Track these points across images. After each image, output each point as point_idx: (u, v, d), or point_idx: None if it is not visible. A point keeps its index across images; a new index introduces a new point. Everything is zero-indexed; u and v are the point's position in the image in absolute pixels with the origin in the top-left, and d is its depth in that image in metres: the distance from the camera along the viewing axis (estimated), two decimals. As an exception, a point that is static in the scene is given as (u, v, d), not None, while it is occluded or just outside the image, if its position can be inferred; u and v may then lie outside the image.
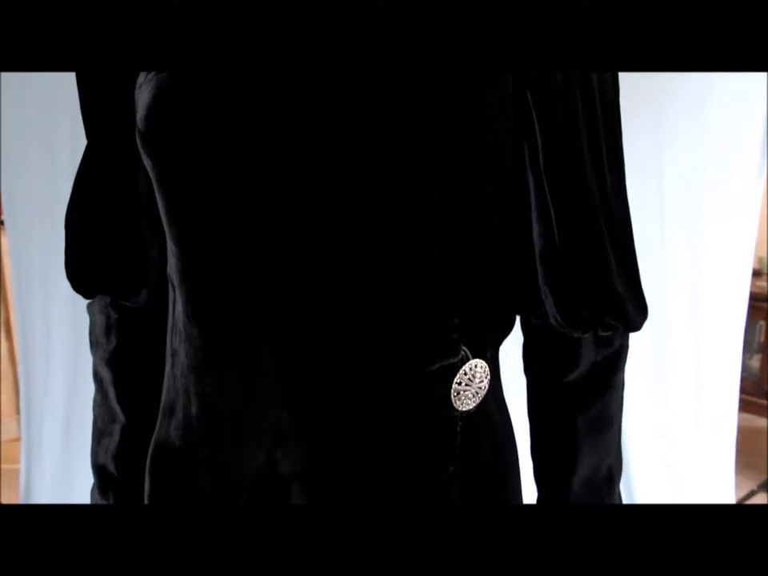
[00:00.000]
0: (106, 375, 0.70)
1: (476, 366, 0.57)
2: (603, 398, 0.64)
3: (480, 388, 0.58)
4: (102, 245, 0.65)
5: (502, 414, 0.64)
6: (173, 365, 0.61)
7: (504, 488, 0.64)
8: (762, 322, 2.41)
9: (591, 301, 0.59)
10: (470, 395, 0.58)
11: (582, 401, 0.64)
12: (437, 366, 0.56)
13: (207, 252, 0.55)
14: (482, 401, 0.59)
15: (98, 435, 0.71)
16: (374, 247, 0.52)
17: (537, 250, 0.60)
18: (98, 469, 0.71)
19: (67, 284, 1.68)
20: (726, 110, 1.66)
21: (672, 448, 1.78)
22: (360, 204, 0.51)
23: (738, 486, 1.91)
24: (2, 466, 2.00)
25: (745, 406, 2.02)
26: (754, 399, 2.36)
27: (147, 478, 0.64)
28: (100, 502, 0.71)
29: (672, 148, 1.68)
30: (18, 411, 1.95)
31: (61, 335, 1.69)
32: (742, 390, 1.88)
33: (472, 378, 0.57)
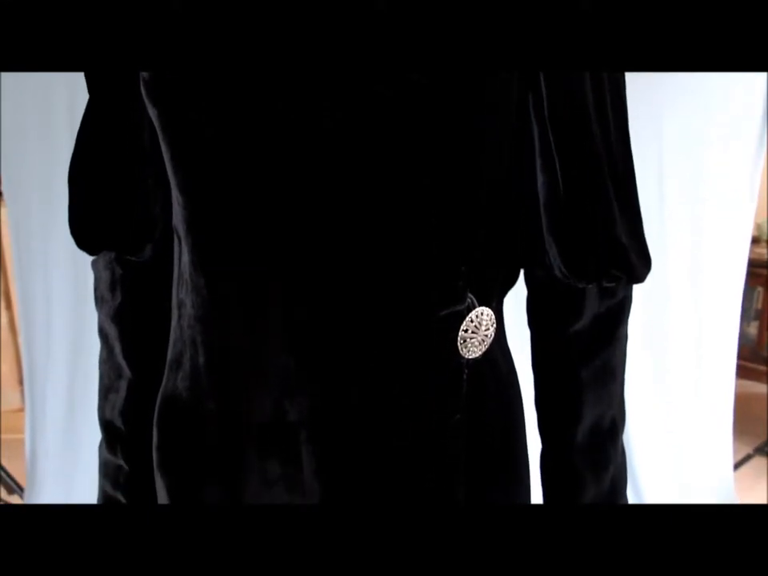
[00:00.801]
0: (112, 331, 0.70)
1: (482, 314, 0.58)
2: (607, 350, 0.65)
3: (486, 336, 0.59)
4: (107, 199, 0.65)
5: (507, 363, 0.65)
6: (179, 317, 0.62)
7: (510, 435, 0.65)
8: (760, 289, 2.42)
9: (595, 250, 0.59)
10: (477, 343, 0.58)
11: (586, 352, 0.64)
12: (444, 312, 0.56)
13: (212, 200, 0.55)
14: (487, 349, 0.60)
15: (105, 391, 0.72)
16: (378, 216, 0.53)
17: (541, 199, 0.60)
18: (105, 424, 0.71)
19: (67, 254, 1.68)
20: (727, 77, 1.65)
21: (672, 414, 1.79)
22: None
23: (735, 451, 1.94)
24: (7, 436, 2.01)
25: (742, 372, 2.03)
26: (751, 365, 2.38)
27: (155, 431, 0.65)
28: (108, 457, 0.71)
29: (671, 115, 1.67)
30: (20, 382, 1.95)
31: (61, 305, 1.69)
32: (739, 356, 1.89)
33: (478, 326, 0.58)
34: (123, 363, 0.70)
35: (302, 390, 0.56)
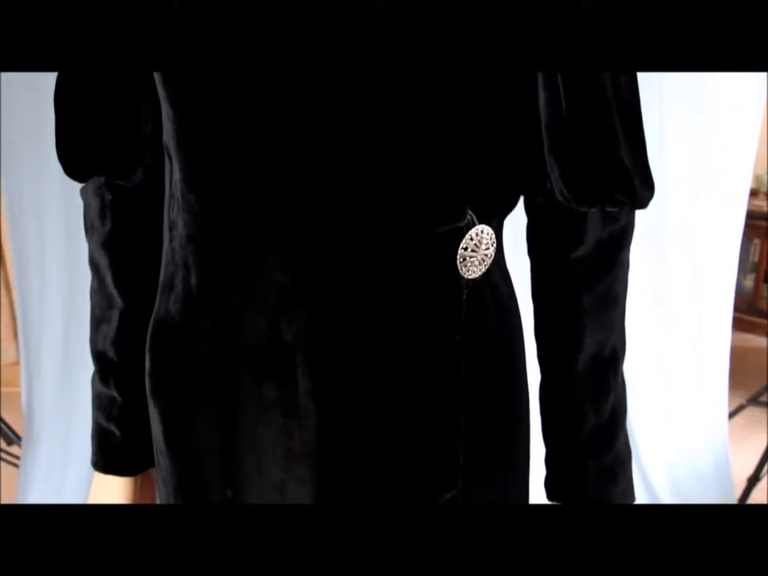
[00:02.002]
0: (102, 260, 0.68)
1: (482, 232, 0.57)
2: (608, 276, 0.64)
3: (486, 255, 0.58)
4: (94, 119, 0.63)
5: (508, 288, 0.64)
6: (171, 238, 0.60)
7: (510, 359, 0.64)
8: (757, 241, 2.41)
9: (597, 170, 0.58)
10: (476, 262, 0.57)
11: (588, 278, 0.63)
12: (443, 229, 0.55)
13: (203, 112, 0.54)
14: (487, 269, 0.58)
15: (96, 322, 0.71)
16: (377, 133, 0.53)
17: (543, 119, 0.58)
18: (98, 355, 0.70)
19: (59, 204, 1.66)
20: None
21: (669, 364, 1.80)
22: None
23: (729, 403, 1.95)
24: (3, 389, 2.01)
25: (738, 324, 2.04)
26: (748, 318, 2.38)
27: (147, 357, 0.64)
28: (101, 389, 0.70)
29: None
30: (15, 336, 1.94)
31: (55, 257, 1.67)
32: (736, 309, 1.89)
33: (478, 244, 0.57)
34: (115, 292, 0.68)
35: (300, 309, 0.55)
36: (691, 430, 1.80)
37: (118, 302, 0.68)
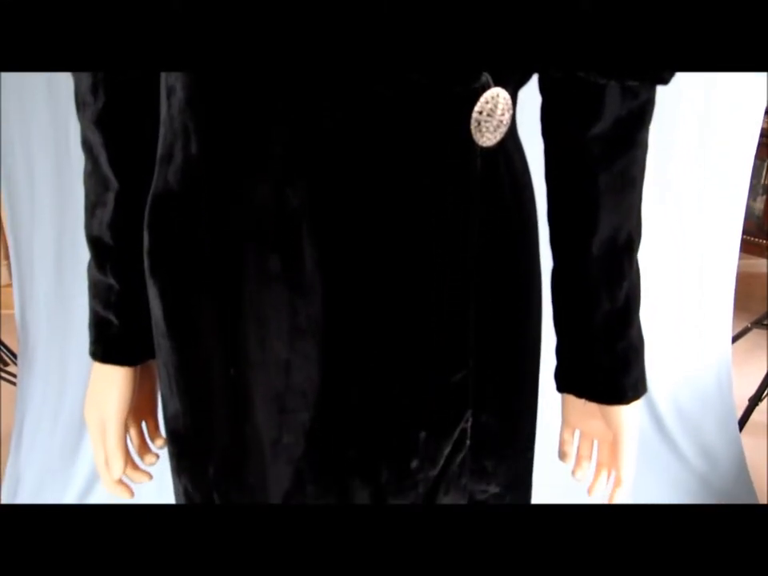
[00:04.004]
0: (96, 138, 0.64)
1: (497, 96, 0.53)
2: (626, 156, 0.60)
3: (501, 122, 0.54)
4: None
5: (522, 162, 0.61)
6: (169, 106, 0.57)
7: (525, 234, 0.62)
8: (769, 162, 2.35)
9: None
10: (491, 128, 0.54)
11: (605, 157, 0.60)
12: (458, 88, 0.51)
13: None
14: (502, 138, 0.55)
15: (91, 207, 0.67)
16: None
17: None
18: (93, 242, 0.67)
19: (47, 117, 1.59)
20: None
21: (675, 284, 1.78)
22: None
23: (733, 328, 1.94)
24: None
25: (745, 246, 2.00)
26: (756, 240, 2.35)
27: (146, 235, 0.61)
28: (98, 277, 0.67)
29: None
30: (7, 257, 1.91)
31: (44, 175, 1.62)
32: (744, 231, 1.86)
33: (494, 108, 0.53)
34: (110, 173, 0.64)
35: (306, 175, 0.52)
36: (695, 351, 1.79)
37: (114, 183, 0.65)
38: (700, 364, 1.79)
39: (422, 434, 0.59)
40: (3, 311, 2.04)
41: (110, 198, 0.65)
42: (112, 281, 0.66)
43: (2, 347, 1.93)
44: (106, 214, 0.66)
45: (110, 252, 0.66)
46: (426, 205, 0.54)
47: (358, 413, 0.58)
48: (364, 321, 0.55)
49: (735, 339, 1.92)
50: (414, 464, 0.60)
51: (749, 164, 1.77)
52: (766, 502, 1.72)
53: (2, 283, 2.26)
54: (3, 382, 1.97)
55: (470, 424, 0.61)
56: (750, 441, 1.86)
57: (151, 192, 0.60)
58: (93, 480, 1.71)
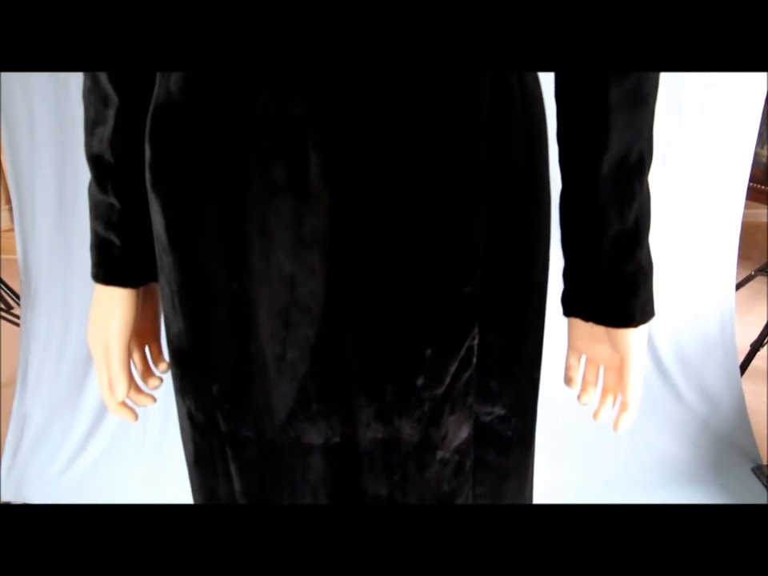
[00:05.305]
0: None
1: None
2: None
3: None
4: None
5: (533, 75, 0.60)
6: None
7: (535, 146, 0.60)
8: (778, 108, 2.31)
9: None
10: None
11: (615, 72, 0.58)
12: None
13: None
14: None
15: (91, 125, 0.65)
16: None
17: None
18: (94, 160, 0.66)
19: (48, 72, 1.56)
20: None
21: (680, 232, 1.76)
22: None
23: (737, 276, 1.93)
24: (3, 256, 1.98)
25: (751, 194, 1.98)
26: (762, 187, 2.32)
27: (147, 147, 0.60)
28: (98, 196, 0.66)
29: None
30: (8, 201, 1.89)
31: (44, 118, 1.60)
32: (751, 178, 1.83)
33: None
34: (110, 88, 0.63)
35: (309, 81, 0.51)
36: (699, 297, 1.78)
37: (114, 99, 0.63)
38: (703, 310, 1.78)
39: (428, 351, 0.59)
40: (4, 256, 2.02)
41: (111, 114, 0.64)
42: (113, 200, 0.65)
43: (5, 289, 1.92)
44: (106, 130, 0.64)
45: (111, 170, 0.65)
46: (434, 111, 0.53)
47: (362, 329, 0.58)
48: (369, 232, 0.54)
49: (739, 287, 1.92)
50: (420, 381, 0.60)
51: (758, 111, 1.74)
52: (765, 447, 1.73)
53: (3, 228, 2.24)
54: (8, 324, 1.97)
55: (476, 342, 0.60)
56: (750, 386, 1.87)
57: (152, 104, 0.59)
58: (100, 415, 1.73)
